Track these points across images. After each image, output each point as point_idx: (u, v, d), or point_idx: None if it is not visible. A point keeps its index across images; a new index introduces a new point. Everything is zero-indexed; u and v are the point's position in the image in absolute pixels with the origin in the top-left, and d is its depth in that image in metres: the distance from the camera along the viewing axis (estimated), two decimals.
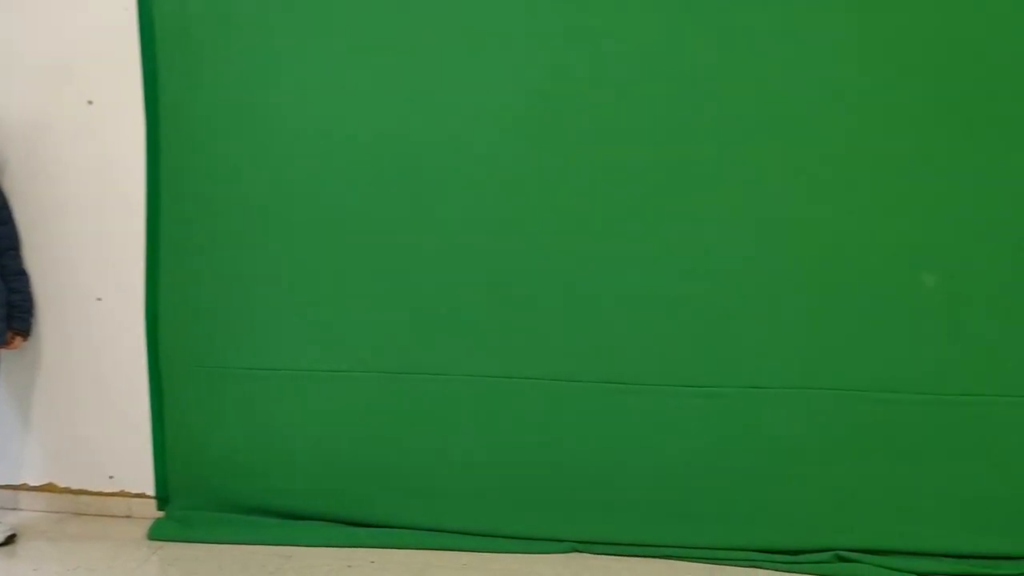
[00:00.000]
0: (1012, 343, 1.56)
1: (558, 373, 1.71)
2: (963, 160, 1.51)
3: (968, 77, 1.49)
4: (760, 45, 1.54)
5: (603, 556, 1.70)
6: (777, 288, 1.62)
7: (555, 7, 1.59)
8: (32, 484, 1.95)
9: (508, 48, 1.62)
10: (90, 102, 1.79)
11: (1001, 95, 1.50)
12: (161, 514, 1.89)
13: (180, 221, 1.77)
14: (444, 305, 1.72)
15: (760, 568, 1.64)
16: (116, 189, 1.80)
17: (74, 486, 1.95)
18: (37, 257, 1.85)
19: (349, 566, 1.68)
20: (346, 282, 1.76)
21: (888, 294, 1.58)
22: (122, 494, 1.92)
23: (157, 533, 1.81)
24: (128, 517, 1.91)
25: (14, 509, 1.95)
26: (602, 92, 1.60)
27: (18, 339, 1.83)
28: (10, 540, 1.80)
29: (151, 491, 1.90)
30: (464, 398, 1.74)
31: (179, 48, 1.71)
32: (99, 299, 1.85)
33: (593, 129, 1.62)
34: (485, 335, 1.71)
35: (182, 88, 1.72)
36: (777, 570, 1.63)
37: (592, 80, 1.60)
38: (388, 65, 1.67)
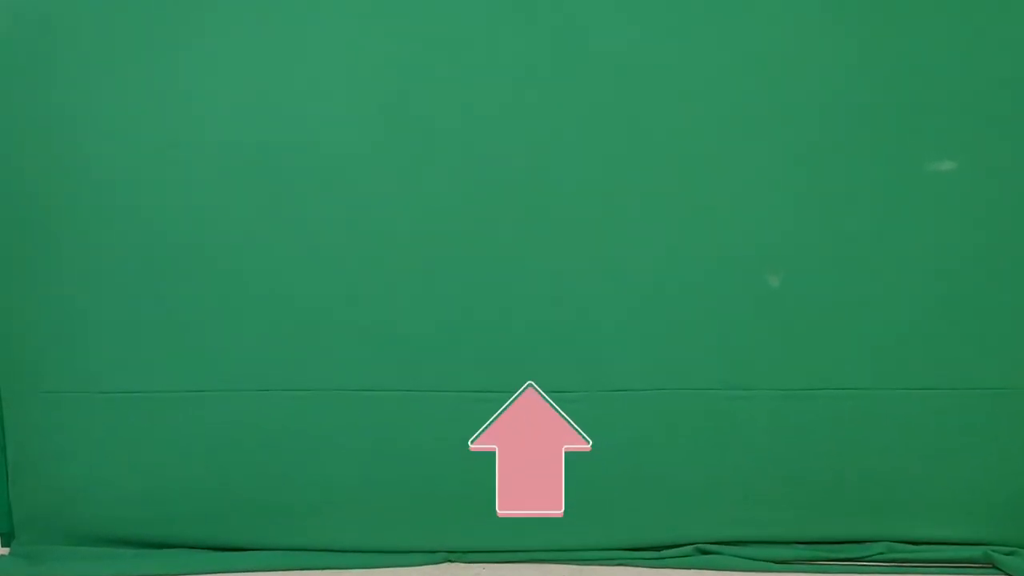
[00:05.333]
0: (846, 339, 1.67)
1: (420, 384, 1.69)
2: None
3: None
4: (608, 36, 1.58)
5: (474, 564, 1.71)
6: (624, 291, 1.66)
7: (410, 10, 1.58)
8: None
9: (365, 49, 1.60)
10: None
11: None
12: (5, 551, 1.76)
13: (6, 236, 1.65)
14: (302, 318, 1.68)
15: (625, 565, 1.68)
16: None
17: None
18: None
19: None
20: (199, 297, 1.68)
21: (734, 293, 1.66)
22: None
23: (1, 571, 1.69)
24: None
25: None
26: (462, 92, 1.60)
27: None
28: None
29: None
30: (325, 413, 1.69)
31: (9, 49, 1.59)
32: None
33: (455, 129, 1.61)
34: (343, 348, 1.68)
35: (16, 92, 1.60)
36: (641, 566, 1.68)
37: (451, 79, 1.60)
38: (244, 68, 1.61)
